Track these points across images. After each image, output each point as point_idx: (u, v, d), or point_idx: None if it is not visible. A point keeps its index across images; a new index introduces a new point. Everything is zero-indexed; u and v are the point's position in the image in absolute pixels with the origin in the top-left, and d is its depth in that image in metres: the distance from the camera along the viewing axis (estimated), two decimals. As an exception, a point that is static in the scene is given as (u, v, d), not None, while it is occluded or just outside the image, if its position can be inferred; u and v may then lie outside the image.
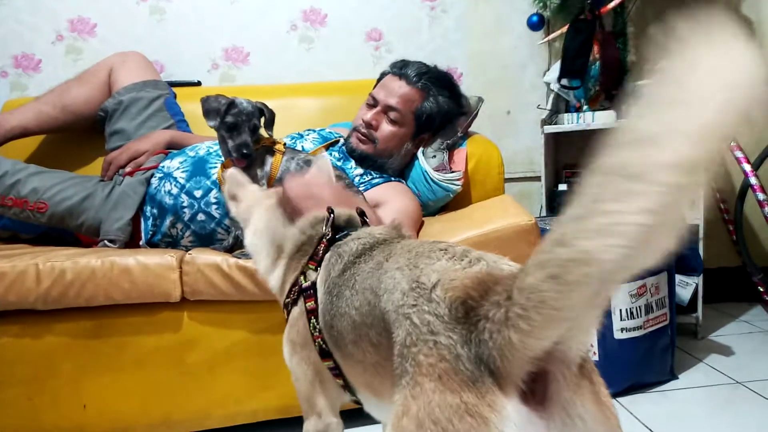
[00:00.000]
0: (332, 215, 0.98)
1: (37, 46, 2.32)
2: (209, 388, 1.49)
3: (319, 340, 0.89)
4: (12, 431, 1.44)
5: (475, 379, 0.55)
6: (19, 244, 1.68)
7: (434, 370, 0.58)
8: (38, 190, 1.64)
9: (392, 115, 1.74)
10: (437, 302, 0.62)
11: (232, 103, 1.43)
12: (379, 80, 1.86)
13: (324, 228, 0.97)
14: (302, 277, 0.94)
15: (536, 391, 0.56)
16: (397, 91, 1.76)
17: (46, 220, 1.65)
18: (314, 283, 0.92)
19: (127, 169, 1.72)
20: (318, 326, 0.89)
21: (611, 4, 2.23)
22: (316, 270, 0.93)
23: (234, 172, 1.18)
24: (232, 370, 1.49)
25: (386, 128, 1.75)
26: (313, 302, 0.91)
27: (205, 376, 1.49)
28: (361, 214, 1.02)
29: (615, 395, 1.70)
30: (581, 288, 0.47)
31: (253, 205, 1.12)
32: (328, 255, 0.93)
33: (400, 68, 1.81)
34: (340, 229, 0.97)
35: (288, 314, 0.97)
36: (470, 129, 1.93)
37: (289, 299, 0.97)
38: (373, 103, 1.78)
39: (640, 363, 1.72)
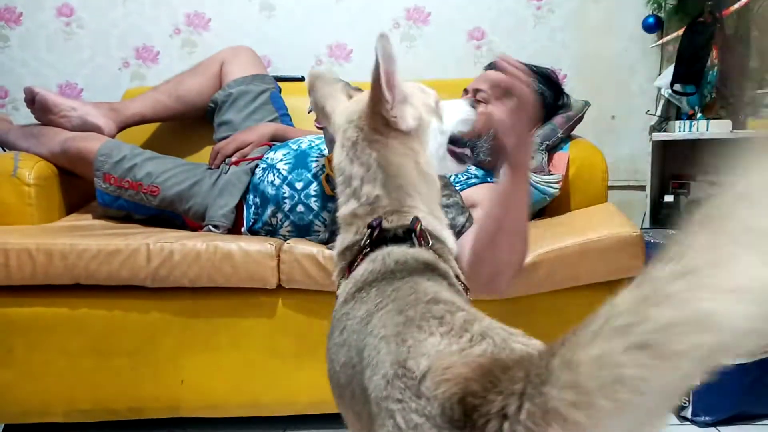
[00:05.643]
0: (378, 229, 0.81)
1: (156, 39, 2.46)
2: (297, 375, 1.52)
3: None
4: (116, 398, 1.54)
5: None
6: (132, 224, 1.79)
7: None
8: (152, 175, 1.74)
9: (479, 96, 1.66)
10: (427, 398, 0.49)
11: None
12: (477, 79, 1.82)
13: (363, 241, 0.81)
14: (340, 280, 0.86)
15: None
16: (489, 76, 1.70)
17: (158, 203, 1.74)
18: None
19: (234, 158, 1.78)
20: None
21: (735, 6, 2.09)
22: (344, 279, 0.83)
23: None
24: (319, 359, 1.50)
25: None
26: None
27: (293, 363, 1.52)
28: (414, 221, 0.82)
29: (717, 423, 1.60)
30: (684, 362, 0.37)
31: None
32: (349, 278, 0.81)
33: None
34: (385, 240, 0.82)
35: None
36: (572, 134, 1.86)
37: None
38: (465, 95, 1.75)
39: (747, 392, 1.60)
